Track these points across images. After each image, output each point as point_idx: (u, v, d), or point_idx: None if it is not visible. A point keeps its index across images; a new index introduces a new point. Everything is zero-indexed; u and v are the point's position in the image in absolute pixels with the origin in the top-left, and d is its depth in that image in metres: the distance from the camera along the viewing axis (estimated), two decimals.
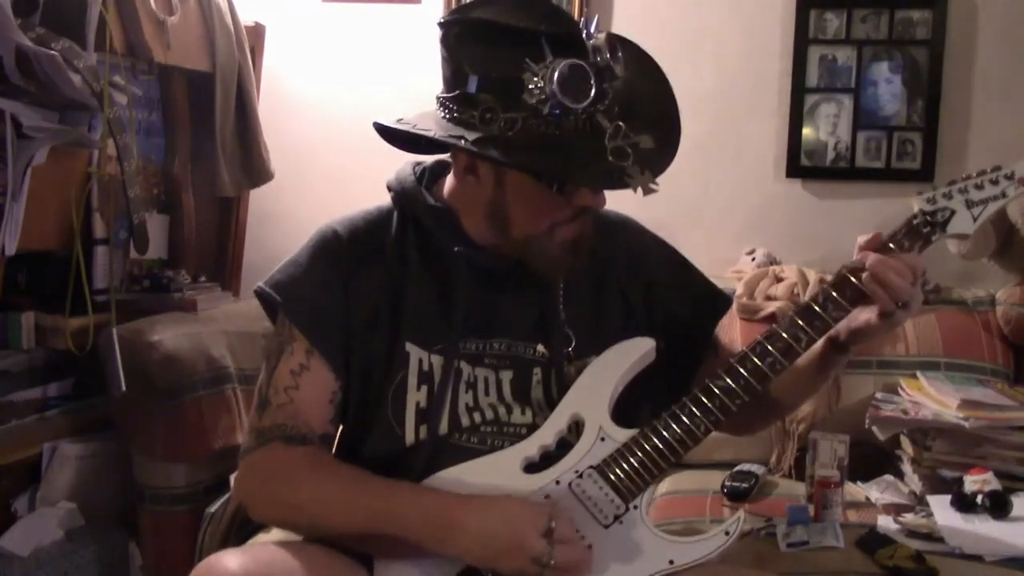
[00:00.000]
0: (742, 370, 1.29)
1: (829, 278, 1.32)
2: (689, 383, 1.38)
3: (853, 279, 1.28)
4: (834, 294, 1.29)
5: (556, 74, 1.19)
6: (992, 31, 2.58)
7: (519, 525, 1.20)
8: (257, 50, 2.73)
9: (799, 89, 2.65)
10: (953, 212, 1.30)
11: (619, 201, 1.35)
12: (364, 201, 1.46)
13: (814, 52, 2.64)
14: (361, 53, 2.86)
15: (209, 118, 2.51)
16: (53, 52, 1.84)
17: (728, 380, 1.29)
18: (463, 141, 1.24)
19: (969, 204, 1.30)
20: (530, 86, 1.19)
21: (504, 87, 1.22)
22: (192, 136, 2.55)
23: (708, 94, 2.68)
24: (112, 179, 2.18)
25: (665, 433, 1.28)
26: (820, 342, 1.33)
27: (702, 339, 1.50)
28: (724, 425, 1.33)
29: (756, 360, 1.29)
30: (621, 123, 1.20)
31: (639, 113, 1.25)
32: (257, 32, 2.74)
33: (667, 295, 1.47)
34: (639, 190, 1.19)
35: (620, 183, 1.20)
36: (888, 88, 2.62)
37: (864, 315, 1.30)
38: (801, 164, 2.67)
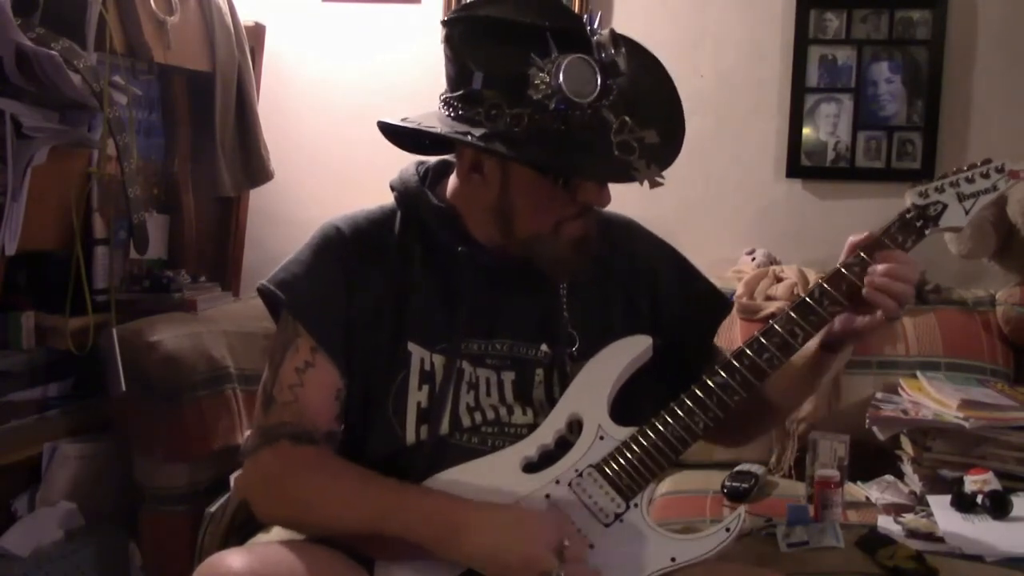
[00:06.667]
0: (739, 366, 1.30)
1: None
2: (688, 384, 1.38)
3: (847, 273, 1.29)
4: (829, 289, 1.29)
5: (562, 69, 1.19)
6: (992, 31, 2.58)
7: (531, 540, 1.20)
8: (257, 50, 2.73)
9: (799, 89, 2.65)
10: (945, 206, 1.31)
11: (620, 199, 1.35)
12: (365, 200, 1.46)
13: (814, 52, 2.64)
14: (361, 53, 2.86)
15: (209, 118, 2.51)
16: (53, 52, 1.84)
17: (725, 376, 1.29)
18: (470, 137, 1.24)
19: (961, 197, 1.31)
20: (536, 82, 1.20)
21: (510, 83, 1.22)
22: (192, 136, 2.55)
23: (708, 94, 2.68)
24: (112, 179, 2.18)
25: (664, 430, 1.29)
26: (814, 344, 1.33)
27: (703, 340, 1.50)
28: (718, 435, 1.32)
29: (753, 356, 1.30)
30: (627, 118, 1.21)
31: (643, 108, 1.26)
32: (257, 32, 2.74)
33: (670, 296, 1.47)
34: (645, 183, 1.20)
35: (627, 177, 1.21)
36: (888, 88, 2.62)
37: (860, 318, 1.30)
38: (801, 164, 2.67)
